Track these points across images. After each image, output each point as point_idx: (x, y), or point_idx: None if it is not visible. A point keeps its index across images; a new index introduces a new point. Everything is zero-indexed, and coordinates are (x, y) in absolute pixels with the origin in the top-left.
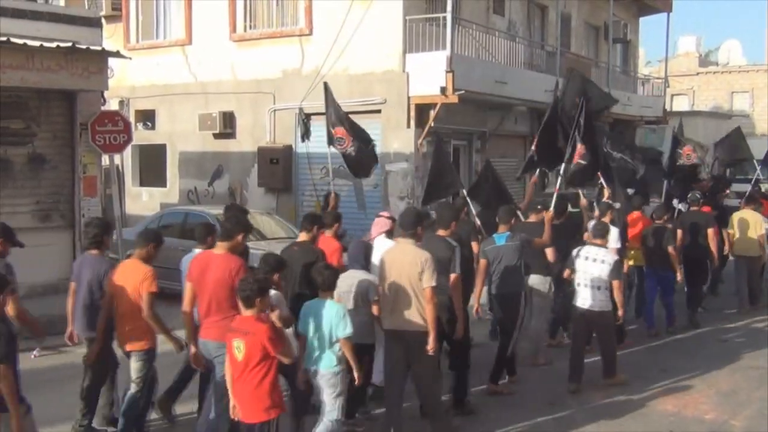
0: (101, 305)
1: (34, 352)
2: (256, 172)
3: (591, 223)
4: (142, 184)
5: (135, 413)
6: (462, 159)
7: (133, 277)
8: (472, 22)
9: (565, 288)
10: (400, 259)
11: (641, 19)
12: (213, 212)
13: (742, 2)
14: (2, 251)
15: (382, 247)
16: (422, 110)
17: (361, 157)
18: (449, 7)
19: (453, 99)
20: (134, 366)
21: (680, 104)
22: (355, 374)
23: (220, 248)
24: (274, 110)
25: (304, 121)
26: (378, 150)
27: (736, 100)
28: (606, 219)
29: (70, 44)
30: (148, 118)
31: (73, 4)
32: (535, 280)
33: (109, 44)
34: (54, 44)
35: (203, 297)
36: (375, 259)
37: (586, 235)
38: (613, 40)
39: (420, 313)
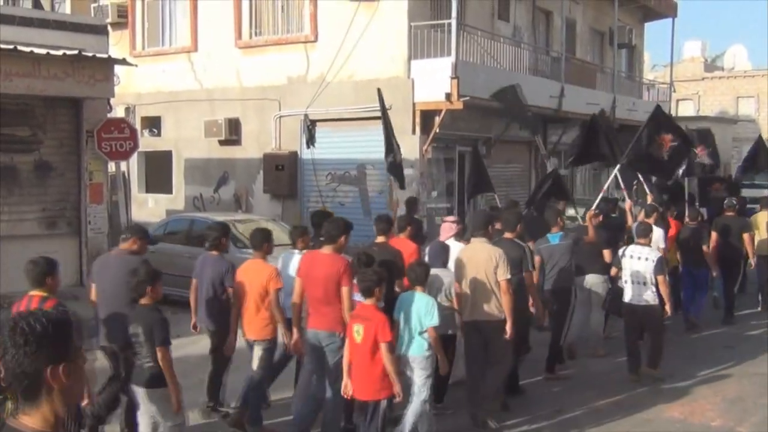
0: (223, 300)
1: None
2: (262, 179)
3: (635, 224)
4: (148, 191)
5: (258, 395)
6: (467, 165)
7: (259, 275)
8: (477, 28)
9: (613, 285)
10: (476, 257)
11: (646, 24)
12: (219, 219)
13: (747, 7)
14: (139, 250)
15: (452, 248)
16: (427, 116)
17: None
18: (454, 13)
19: (458, 105)
20: (258, 354)
21: (686, 109)
22: (440, 362)
23: (327, 249)
24: (280, 117)
25: (309, 127)
26: (383, 156)
27: (742, 105)
28: (650, 220)
29: (76, 52)
30: (153, 125)
31: (79, 12)
32: (593, 280)
33: (115, 51)
34: (60, 52)
35: (313, 291)
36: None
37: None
38: (618, 45)
39: (496, 305)
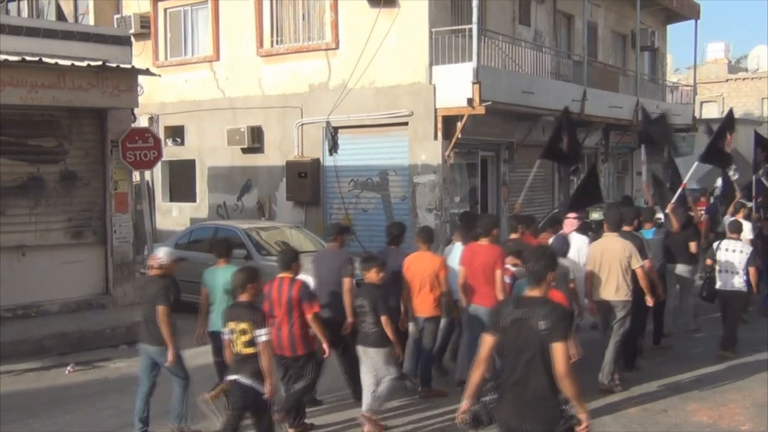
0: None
1: (69, 368)
2: (285, 186)
3: (727, 219)
4: (172, 200)
5: (429, 366)
6: (489, 170)
7: (431, 263)
8: (498, 32)
9: (706, 275)
10: (611, 248)
11: (669, 27)
12: (243, 227)
13: None
14: (342, 244)
15: (575, 240)
16: (449, 122)
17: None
18: (475, 19)
19: (480, 110)
20: (428, 329)
21: (710, 111)
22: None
23: (483, 241)
24: (302, 124)
25: (332, 134)
26: (405, 162)
27: (767, 107)
28: (739, 216)
29: (100, 63)
30: (177, 134)
31: (102, 24)
32: (682, 269)
33: (138, 62)
34: (85, 63)
35: (475, 275)
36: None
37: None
38: (640, 48)
39: (624, 288)
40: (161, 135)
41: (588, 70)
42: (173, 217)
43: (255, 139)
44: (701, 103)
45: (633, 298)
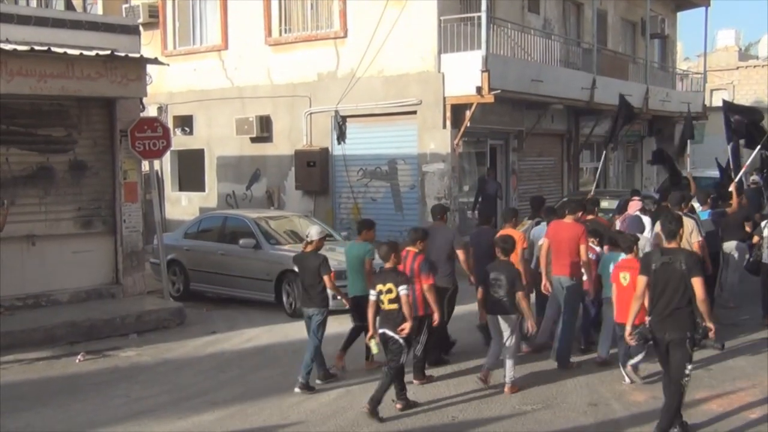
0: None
1: (79, 357)
2: (293, 175)
3: None
4: (181, 189)
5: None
6: (499, 158)
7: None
8: (507, 21)
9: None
10: None
11: (679, 14)
12: (252, 216)
13: None
14: (446, 222)
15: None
16: (458, 110)
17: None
18: (484, 7)
19: (489, 98)
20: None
21: (720, 99)
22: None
23: (569, 219)
24: (310, 113)
25: (340, 123)
26: (414, 151)
27: None
28: None
29: (109, 52)
30: (186, 123)
31: (110, 13)
32: (732, 245)
33: (146, 51)
34: (93, 53)
35: (559, 248)
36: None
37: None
38: (650, 35)
39: None
40: (170, 124)
41: (597, 58)
42: (182, 206)
43: (264, 129)
44: (711, 90)
45: None
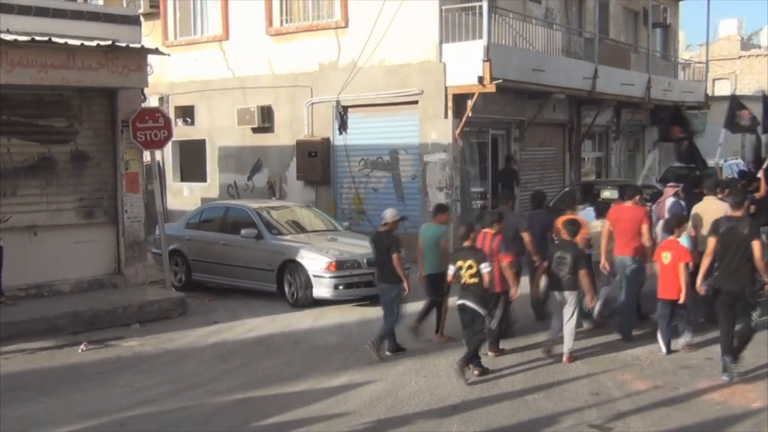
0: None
1: (81, 347)
2: (295, 166)
3: None
4: (182, 180)
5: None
6: (500, 148)
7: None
8: (509, 10)
9: None
10: (710, 208)
11: (681, 3)
12: (253, 206)
13: None
14: (512, 207)
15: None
16: (460, 100)
17: None
18: None
19: (490, 88)
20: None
21: (722, 89)
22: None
23: (629, 202)
24: (312, 103)
25: (341, 113)
26: (415, 141)
27: None
28: None
29: (110, 42)
30: (187, 114)
31: (112, 3)
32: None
33: (147, 41)
34: (94, 43)
35: (621, 230)
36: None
37: None
38: (652, 24)
39: None
40: (171, 115)
41: (599, 48)
42: (184, 197)
43: (265, 119)
44: (713, 80)
45: None
